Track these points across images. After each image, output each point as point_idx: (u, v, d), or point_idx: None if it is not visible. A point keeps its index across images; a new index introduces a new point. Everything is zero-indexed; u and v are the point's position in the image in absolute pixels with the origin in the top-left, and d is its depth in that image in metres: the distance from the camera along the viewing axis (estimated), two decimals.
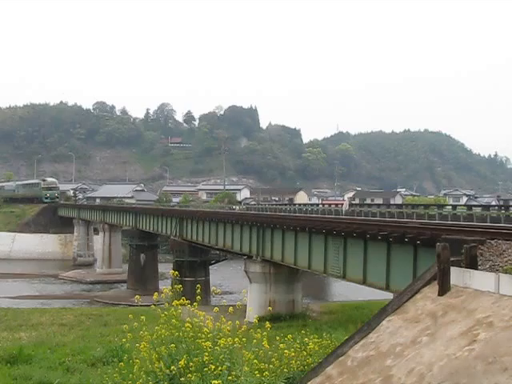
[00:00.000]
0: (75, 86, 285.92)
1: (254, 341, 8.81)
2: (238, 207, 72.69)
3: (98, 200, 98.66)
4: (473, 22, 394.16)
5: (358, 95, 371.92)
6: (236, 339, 8.26)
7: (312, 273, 23.32)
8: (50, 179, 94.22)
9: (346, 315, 27.71)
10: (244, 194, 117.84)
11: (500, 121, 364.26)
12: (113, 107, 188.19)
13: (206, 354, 7.95)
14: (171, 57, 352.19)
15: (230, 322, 8.69)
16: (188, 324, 8.45)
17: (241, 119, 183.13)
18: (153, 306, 9.81)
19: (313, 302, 35.65)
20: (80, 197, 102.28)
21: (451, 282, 7.81)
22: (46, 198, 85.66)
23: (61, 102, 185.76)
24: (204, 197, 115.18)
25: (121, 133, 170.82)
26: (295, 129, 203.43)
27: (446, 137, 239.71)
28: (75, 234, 72.17)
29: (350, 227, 18.10)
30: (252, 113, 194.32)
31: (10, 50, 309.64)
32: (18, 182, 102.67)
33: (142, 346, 8.74)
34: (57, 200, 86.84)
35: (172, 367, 8.02)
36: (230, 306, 9.70)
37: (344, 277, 19.30)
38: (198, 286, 10.42)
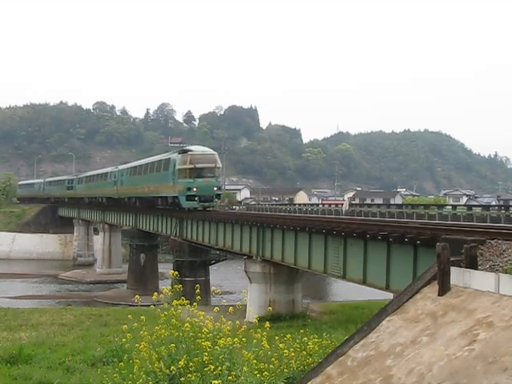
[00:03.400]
0: (75, 86, 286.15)
1: (254, 341, 8.82)
2: (237, 207, 72.46)
3: None
4: (473, 22, 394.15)
5: (358, 95, 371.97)
6: (236, 339, 8.27)
7: (312, 273, 23.30)
8: (197, 149, 39.15)
9: (346, 315, 27.69)
10: (244, 194, 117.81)
11: (500, 121, 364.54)
12: (113, 107, 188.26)
13: (206, 353, 7.96)
14: (171, 57, 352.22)
15: (229, 322, 8.69)
16: (188, 324, 8.46)
17: (241, 119, 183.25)
18: (152, 306, 9.81)
19: (313, 302, 35.65)
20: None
21: (451, 282, 7.81)
22: (191, 199, 35.16)
23: (61, 102, 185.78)
24: None
25: (121, 133, 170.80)
26: (295, 129, 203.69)
27: (446, 137, 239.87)
28: (75, 234, 72.02)
29: (349, 227, 18.09)
30: (252, 113, 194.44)
31: (10, 50, 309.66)
32: (121, 166, 55.52)
33: (141, 346, 8.74)
34: (216, 202, 37.85)
35: (172, 367, 8.03)
36: (230, 306, 9.70)
37: (344, 277, 19.29)
38: (198, 286, 10.43)
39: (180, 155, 36.39)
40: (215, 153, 37.41)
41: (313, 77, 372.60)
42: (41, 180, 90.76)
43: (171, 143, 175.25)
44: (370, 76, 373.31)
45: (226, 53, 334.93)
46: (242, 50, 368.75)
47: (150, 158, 47.65)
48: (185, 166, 35.31)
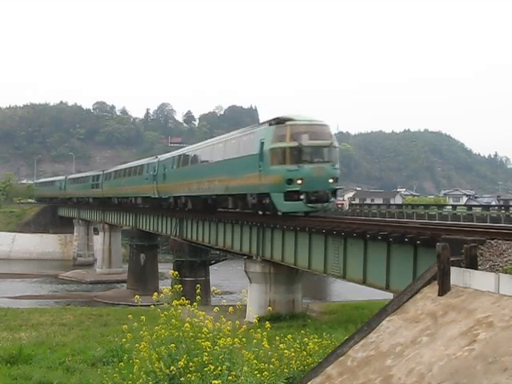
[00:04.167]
0: (75, 86, 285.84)
1: (254, 341, 8.83)
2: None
3: None
4: (473, 22, 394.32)
5: (358, 95, 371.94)
6: (236, 339, 8.28)
7: (312, 273, 23.30)
8: (301, 117, 23.52)
9: (346, 315, 27.70)
10: None
11: (500, 121, 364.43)
12: (113, 107, 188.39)
13: (206, 354, 7.97)
14: (171, 57, 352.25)
15: (229, 322, 8.70)
16: (188, 324, 8.47)
17: (241, 119, 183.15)
18: (152, 306, 9.83)
19: (313, 302, 35.64)
20: None
21: (451, 282, 7.82)
22: (293, 198, 22.02)
23: (61, 102, 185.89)
24: None
25: (121, 133, 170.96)
26: None
27: (446, 137, 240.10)
28: (75, 234, 72.04)
29: (349, 227, 18.11)
30: (252, 113, 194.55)
31: (10, 50, 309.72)
32: (164, 155, 42.60)
33: (141, 346, 8.76)
34: (332, 201, 23.76)
35: (172, 367, 8.04)
36: (230, 306, 9.71)
37: (344, 277, 19.27)
38: (198, 286, 10.46)
39: (273, 127, 22.92)
40: (328, 123, 23.65)
41: (313, 77, 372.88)
42: (62, 177, 79.94)
43: (171, 143, 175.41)
44: (370, 76, 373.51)
45: (226, 53, 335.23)
46: (242, 50, 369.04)
47: (214, 139, 33.39)
48: (283, 144, 22.12)
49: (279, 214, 23.08)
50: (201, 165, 32.04)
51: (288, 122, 22.61)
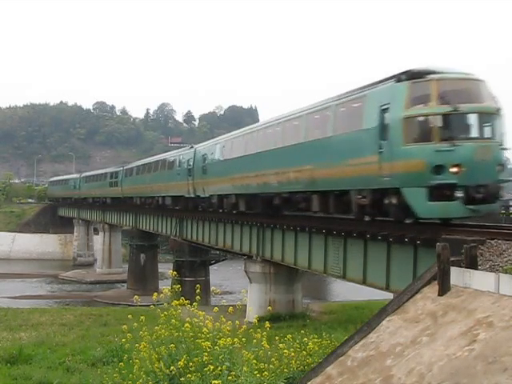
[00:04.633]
0: (75, 86, 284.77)
1: (254, 341, 8.84)
2: None
3: None
4: (473, 22, 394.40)
5: None
6: (236, 339, 8.28)
7: (312, 273, 23.30)
8: (448, 70, 14.34)
9: (346, 315, 27.73)
10: None
11: None
12: (113, 107, 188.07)
13: (206, 354, 7.97)
14: (171, 57, 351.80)
15: (229, 322, 8.72)
16: (188, 324, 8.47)
17: (241, 119, 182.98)
18: (152, 306, 9.83)
19: (313, 302, 35.63)
20: None
21: (451, 282, 7.82)
22: (441, 197, 13.21)
23: (61, 102, 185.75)
24: None
25: (121, 133, 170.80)
26: None
27: None
28: (75, 234, 72.05)
29: (349, 227, 18.08)
30: (252, 113, 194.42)
31: (10, 50, 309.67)
32: (201, 145, 34.94)
33: (141, 346, 8.77)
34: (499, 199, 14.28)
35: (172, 367, 8.05)
36: (230, 306, 9.73)
37: (344, 277, 19.26)
38: (198, 286, 10.45)
39: (407, 84, 14.35)
40: (485, 79, 14.77)
41: (313, 77, 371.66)
42: (76, 175, 74.14)
43: (171, 143, 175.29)
44: (369, 76, 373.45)
45: (226, 53, 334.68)
46: (241, 50, 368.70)
47: (284, 114, 22.70)
48: (426, 110, 13.99)
49: (407, 221, 15.05)
50: (264, 151, 23.22)
51: (431, 76, 14.17)
